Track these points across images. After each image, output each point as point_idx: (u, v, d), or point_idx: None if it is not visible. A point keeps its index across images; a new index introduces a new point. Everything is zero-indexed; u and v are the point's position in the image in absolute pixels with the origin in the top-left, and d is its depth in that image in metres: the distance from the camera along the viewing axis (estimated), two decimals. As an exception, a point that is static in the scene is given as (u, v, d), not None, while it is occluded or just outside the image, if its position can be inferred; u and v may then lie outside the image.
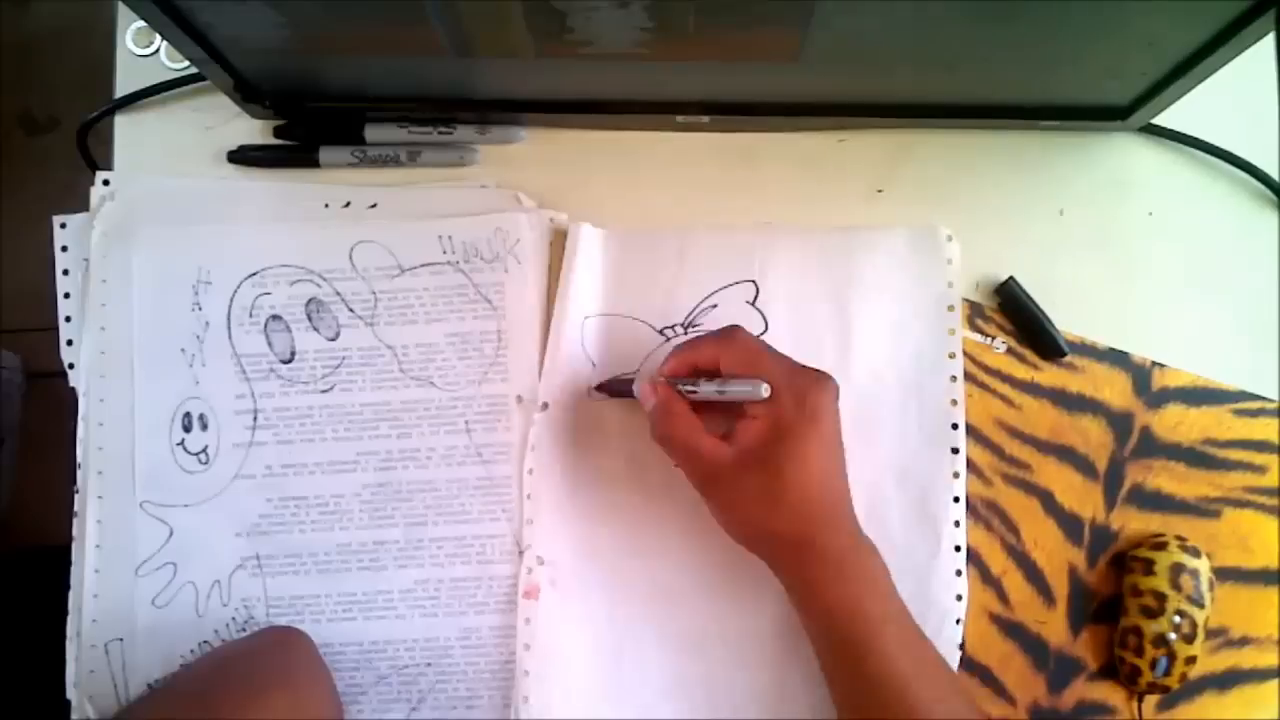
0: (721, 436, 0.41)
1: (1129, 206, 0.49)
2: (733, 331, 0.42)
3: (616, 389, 0.46)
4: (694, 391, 0.41)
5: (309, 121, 0.50)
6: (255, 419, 0.48)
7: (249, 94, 0.46)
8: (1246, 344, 0.48)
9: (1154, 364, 0.48)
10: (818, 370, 0.41)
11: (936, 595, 0.46)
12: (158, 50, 0.50)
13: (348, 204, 0.49)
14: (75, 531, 0.47)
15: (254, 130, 0.50)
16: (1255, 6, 0.36)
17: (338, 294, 0.48)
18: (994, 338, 0.48)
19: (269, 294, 0.48)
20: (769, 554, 0.41)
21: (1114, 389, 0.48)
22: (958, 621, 0.46)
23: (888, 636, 0.39)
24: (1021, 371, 0.48)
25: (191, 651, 0.47)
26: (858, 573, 0.40)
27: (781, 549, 0.41)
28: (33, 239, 0.59)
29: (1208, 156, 0.49)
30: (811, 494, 0.39)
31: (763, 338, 0.47)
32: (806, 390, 0.40)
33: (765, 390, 0.39)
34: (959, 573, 0.46)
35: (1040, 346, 0.48)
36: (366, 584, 0.47)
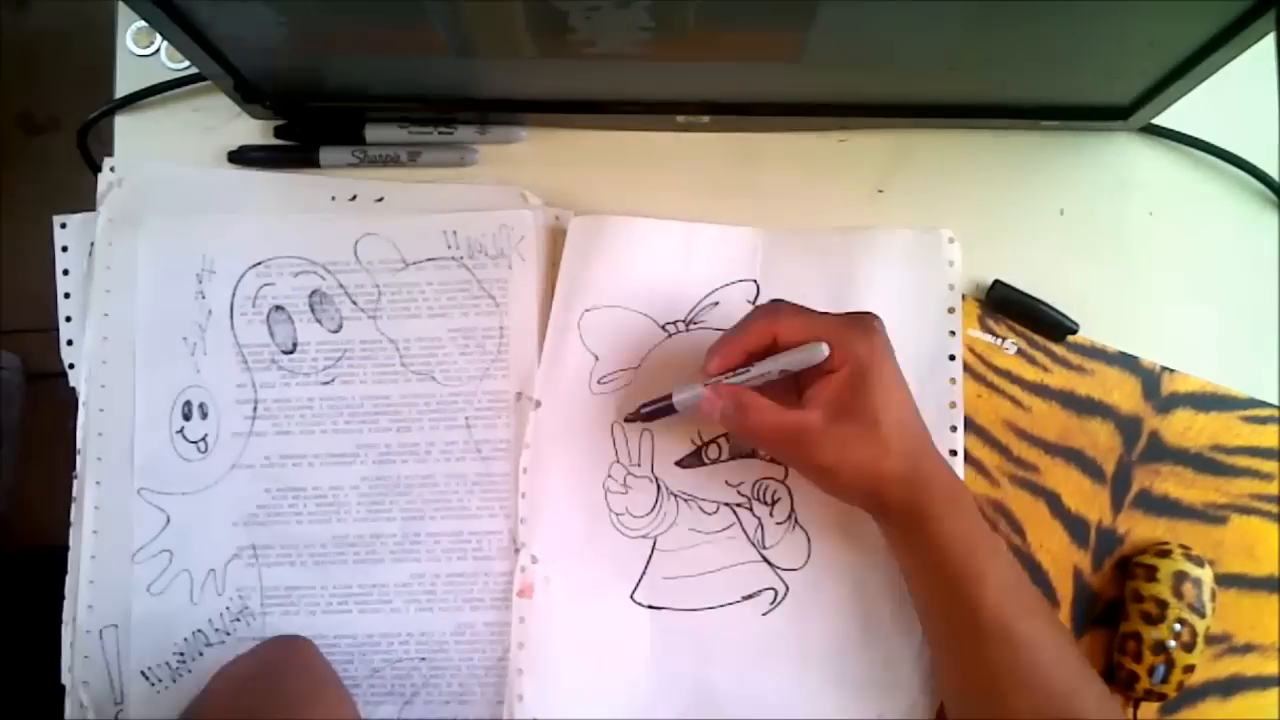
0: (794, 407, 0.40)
1: (1129, 206, 0.49)
2: (777, 305, 0.42)
3: (654, 412, 0.44)
4: (750, 378, 0.41)
5: (309, 121, 0.50)
6: (255, 409, 0.48)
7: (249, 94, 0.47)
8: (1246, 345, 0.48)
9: (1163, 369, 0.47)
10: (864, 312, 0.41)
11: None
12: (158, 50, 0.50)
13: (353, 197, 0.49)
14: (73, 517, 0.47)
15: (254, 130, 0.50)
16: (1255, 6, 0.36)
17: (341, 286, 0.48)
18: (1005, 339, 0.48)
19: (273, 284, 0.48)
20: (882, 501, 0.40)
21: (1123, 393, 0.47)
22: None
23: (998, 565, 0.39)
24: (1031, 373, 0.48)
25: (185, 640, 0.47)
26: (965, 504, 0.40)
27: (894, 490, 0.40)
28: (33, 239, 0.59)
29: (1208, 156, 0.49)
30: (907, 422, 0.40)
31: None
32: (868, 330, 0.40)
33: (824, 350, 0.39)
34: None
35: (1048, 332, 0.47)
36: (362, 577, 0.47)
